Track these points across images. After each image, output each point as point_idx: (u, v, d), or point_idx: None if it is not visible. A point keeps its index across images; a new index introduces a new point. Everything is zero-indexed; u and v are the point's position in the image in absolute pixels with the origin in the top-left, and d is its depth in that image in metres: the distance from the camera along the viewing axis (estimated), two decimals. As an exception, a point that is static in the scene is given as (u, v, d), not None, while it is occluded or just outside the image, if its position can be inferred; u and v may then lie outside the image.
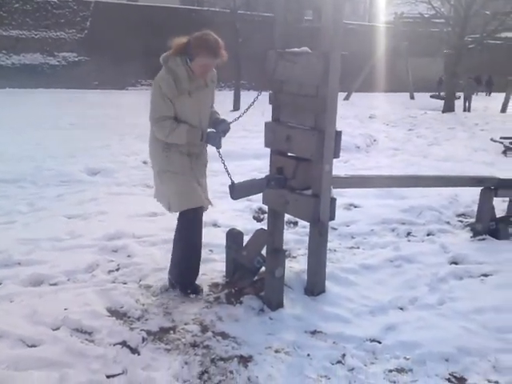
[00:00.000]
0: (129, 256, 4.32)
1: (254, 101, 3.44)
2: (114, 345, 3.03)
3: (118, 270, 4.08)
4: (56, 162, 7.82)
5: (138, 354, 2.96)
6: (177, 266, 3.69)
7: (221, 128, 3.47)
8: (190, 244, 3.63)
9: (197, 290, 3.71)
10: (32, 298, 3.54)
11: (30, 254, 4.27)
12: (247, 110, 3.54)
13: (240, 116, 3.59)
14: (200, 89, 3.39)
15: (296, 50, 3.47)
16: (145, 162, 8.01)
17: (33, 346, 2.99)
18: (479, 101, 25.41)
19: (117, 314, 3.41)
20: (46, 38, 24.66)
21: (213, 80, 3.53)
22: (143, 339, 3.11)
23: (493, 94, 31.41)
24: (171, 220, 5.11)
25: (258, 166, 7.88)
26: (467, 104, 22.20)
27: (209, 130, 3.50)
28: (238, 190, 3.41)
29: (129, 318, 3.38)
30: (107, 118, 13.15)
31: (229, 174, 3.40)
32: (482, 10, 20.37)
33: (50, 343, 3.00)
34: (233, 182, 3.35)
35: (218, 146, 3.41)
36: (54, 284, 3.81)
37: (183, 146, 3.39)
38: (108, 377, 2.74)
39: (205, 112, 3.50)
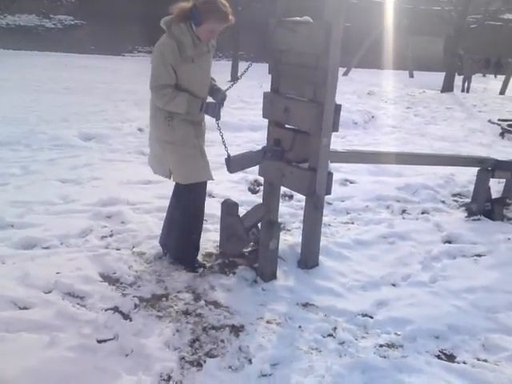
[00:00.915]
0: (122, 222, 4.30)
1: (248, 68, 3.41)
2: (106, 310, 3.02)
3: (111, 236, 4.06)
4: (50, 126, 7.73)
5: (130, 320, 2.96)
6: (179, 240, 3.59)
7: (219, 98, 3.40)
8: (196, 219, 3.60)
9: (202, 265, 3.68)
10: (24, 261, 3.52)
11: (22, 217, 4.24)
12: (241, 76, 3.51)
13: (234, 83, 3.55)
14: (202, 55, 3.30)
15: (298, 18, 3.40)
16: (140, 129, 7.94)
17: (24, 308, 2.98)
18: (484, 82, 25.29)
19: (109, 279, 3.40)
20: (42, 0, 24.16)
21: (213, 45, 3.45)
22: (135, 305, 3.11)
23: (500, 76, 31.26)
24: (165, 188, 5.08)
25: (255, 138, 7.83)
26: (466, 84, 22.06)
27: (207, 100, 3.41)
28: (234, 164, 3.39)
29: (121, 284, 3.37)
30: (103, 84, 12.98)
31: (226, 146, 3.37)
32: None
33: (42, 306, 2.99)
34: (229, 155, 3.33)
35: (218, 118, 3.35)
36: (47, 248, 3.79)
37: (186, 114, 3.30)
38: (99, 341, 2.73)
39: (206, 78, 3.41)
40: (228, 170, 3.41)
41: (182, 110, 3.24)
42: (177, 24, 3.16)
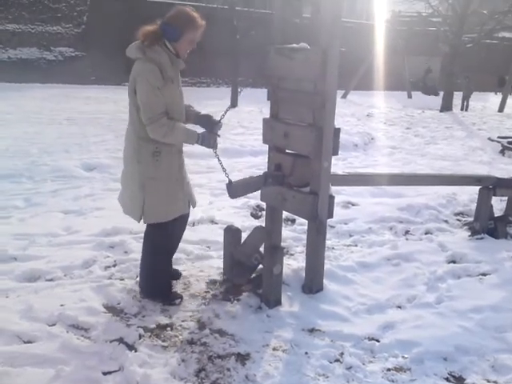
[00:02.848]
0: (126, 252, 4.29)
1: (227, 110, 3.48)
2: (111, 341, 3.01)
3: (114, 266, 4.05)
4: (52, 157, 7.76)
5: (135, 351, 2.94)
6: (150, 278, 3.50)
7: (216, 129, 3.30)
8: (168, 256, 3.56)
9: (178, 297, 3.56)
10: (28, 294, 3.52)
11: (25, 250, 4.23)
12: (223, 116, 3.44)
13: (227, 110, 3.55)
14: (178, 74, 3.23)
15: (294, 45, 3.45)
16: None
17: (28, 342, 2.97)
18: (483, 100, 25.41)
19: (113, 310, 3.39)
20: (43, 33, 24.48)
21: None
22: (140, 336, 3.09)
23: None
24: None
25: (256, 163, 7.86)
26: (465, 103, 22.19)
27: (202, 130, 3.31)
28: (235, 189, 3.41)
29: (126, 314, 3.35)
30: (104, 114, 13.07)
31: (226, 172, 3.37)
32: (480, 9, 20.37)
33: (46, 339, 2.98)
34: (230, 181, 3.34)
35: (215, 148, 3.32)
36: (50, 280, 3.78)
37: (175, 144, 3.22)
38: (104, 374, 2.72)
39: (182, 98, 3.30)
40: (229, 195, 3.42)
41: (179, 141, 3.20)
42: (150, 47, 3.06)
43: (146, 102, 3.03)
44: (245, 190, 3.58)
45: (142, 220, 3.29)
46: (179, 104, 3.25)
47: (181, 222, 3.46)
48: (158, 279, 3.50)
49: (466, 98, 22.01)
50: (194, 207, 3.57)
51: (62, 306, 3.34)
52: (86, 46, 24.57)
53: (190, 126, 3.30)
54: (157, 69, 3.00)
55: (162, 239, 3.39)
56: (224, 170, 3.38)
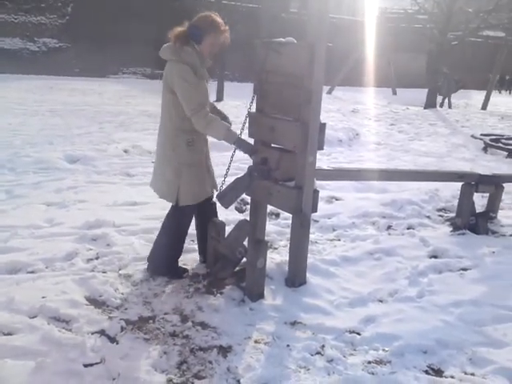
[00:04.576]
0: (108, 245, 4.27)
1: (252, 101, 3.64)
2: (93, 333, 3.00)
3: (97, 258, 4.03)
4: (35, 148, 7.68)
5: (117, 343, 2.94)
6: (162, 250, 3.74)
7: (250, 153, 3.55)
8: (181, 238, 3.78)
9: (184, 270, 3.87)
10: (9, 286, 3.48)
11: (7, 242, 4.19)
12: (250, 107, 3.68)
13: (244, 123, 3.71)
14: (206, 71, 3.51)
15: (281, 40, 3.45)
16: (125, 151, 7.93)
17: (9, 334, 2.94)
18: (467, 97, 25.64)
19: (95, 302, 3.37)
20: (26, 23, 24.14)
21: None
22: (122, 328, 3.08)
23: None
24: (151, 209, 5.09)
25: (241, 157, 7.83)
26: (446, 101, 22.23)
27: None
28: (227, 200, 3.48)
29: (108, 306, 3.34)
30: (88, 106, 12.96)
31: (222, 183, 3.58)
32: (465, 7, 20.49)
33: (27, 331, 2.95)
34: (219, 194, 3.44)
35: (250, 154, 3.53)
36: (32, 272, 3.75)
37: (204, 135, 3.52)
38: (85, 366, 2.70)
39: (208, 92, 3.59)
40: (223, 206, 3.50)
41: (219, 136, 3.38)
42: (182, 49, 3.31)
43: (188, 97, 3.30)
44: (235, 196, 3.61)
45: (177, 202, 3.56)
46: (208, 99, 3.54)
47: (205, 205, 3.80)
48: (171, 258, 3.79)
49: (445, 96, 22.03)
50: (217, 191, 3.74)
51: (43, 298, 3.32)
52: (70, 37, 24.27)
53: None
54: (189, 68, 3.28)
55: (185, 219, 3.72)
56: (223, 181, 3.63)
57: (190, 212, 3.70)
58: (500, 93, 33.35)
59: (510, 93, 34.56)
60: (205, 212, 3.87)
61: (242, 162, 6.77)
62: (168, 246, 3.72)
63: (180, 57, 3.30)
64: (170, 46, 3.35)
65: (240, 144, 3.46)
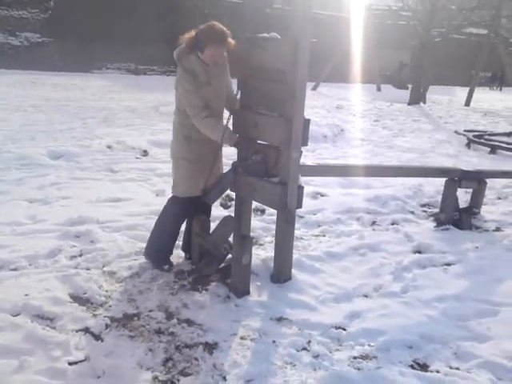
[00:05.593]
0: (92, 242, 4.23)
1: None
2: (77, 331, 2.97)
3: (81, 255, 3.99)
4: (17, 144, 7.58)
5: (101, 341, 2.91)
6: (153, 233, 3.88)
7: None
8: (171, 222, 3.85)
9: (169, 263, 3.91)
10: (-9, 284, 3.43)
11: (-12, 239, 4.13)
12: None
13: (228, 119, 3.72)
14: (215, 76, 3.56)
15: (265, 35, 3.44)
16: (109, 147, 7.85)
17: (-9, 332, 2.90)
18: (450, 94, 25.85)
19: (79, 300, 3.34)
20: (8, 17, 23.80)
21: (224, 64, 3.66)
22: (106, 326, 3.06)
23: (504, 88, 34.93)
24: (135, 206, 5.05)
25: (226, 153, 7.81)
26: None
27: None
28: (212, 196, 3.50)
29: (92, 304, 3.32)
30: (71, 101, 12.82)
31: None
32: (449, 4, 20.63)
33: (10, 330, 2.92)
34: (204, 189, 3.47)
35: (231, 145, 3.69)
36: (14, 269, 3.70)
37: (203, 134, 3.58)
38: (70, 364, 2.68)
39: (223, 94, 3.69)
40: (208, 202, 3.58)
41: (217, 139, 3.51)
42: (186, 56, 3.47)
43: (186, 102, 3.50)
44: (220, 192, 3.63)
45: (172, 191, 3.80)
46: (216, 99, 3.63)
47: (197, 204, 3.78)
48: (159, 244, 3.87)
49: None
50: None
51: (26, 295, 3.28)
52: (53, 31, 23.97)
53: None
54: (189, 76, 3.43)
55: (174, 208, 3.82)
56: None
57: (183, 204, 3.76)
58: (491, 89, 33.89)
59: (500, 89, 34.96)
60: (201, 210, 3.92)
61: (229, 158, 6.75)
62: (158, 230, 3.85)
63: (182, 63, 3.47)
64: (180, 50, 3.50)
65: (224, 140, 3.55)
